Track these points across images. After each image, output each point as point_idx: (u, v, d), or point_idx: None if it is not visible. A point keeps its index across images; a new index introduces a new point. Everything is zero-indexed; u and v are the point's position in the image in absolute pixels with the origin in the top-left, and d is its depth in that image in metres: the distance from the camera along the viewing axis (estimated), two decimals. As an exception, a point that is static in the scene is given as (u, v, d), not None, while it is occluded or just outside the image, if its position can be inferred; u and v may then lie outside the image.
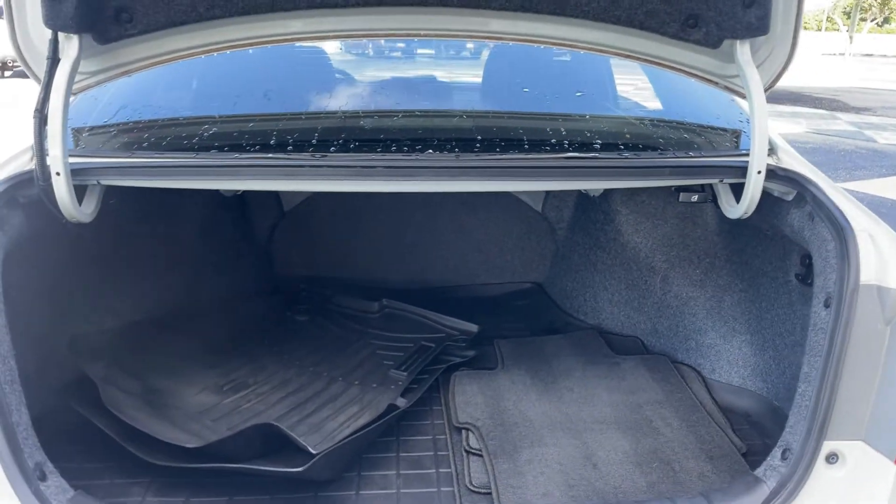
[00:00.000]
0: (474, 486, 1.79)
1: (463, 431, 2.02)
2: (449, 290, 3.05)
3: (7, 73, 17.21)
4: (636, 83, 2.95)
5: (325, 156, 1.72)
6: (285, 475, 1.68)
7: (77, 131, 1.97)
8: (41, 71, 1.69)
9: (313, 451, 1.74)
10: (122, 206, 1.92)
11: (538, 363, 2.38)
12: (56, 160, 1.60)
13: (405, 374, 2.30)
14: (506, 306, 2.96)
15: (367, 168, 1.69)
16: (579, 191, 2.80)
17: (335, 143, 1.84)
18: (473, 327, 2.58)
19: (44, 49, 1.66)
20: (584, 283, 2.79)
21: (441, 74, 3.17)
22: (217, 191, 2.52)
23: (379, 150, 1.80)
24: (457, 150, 1.78)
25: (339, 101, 2.47)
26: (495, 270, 3.09)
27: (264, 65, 2.58)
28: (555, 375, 2.31)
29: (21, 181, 1.63)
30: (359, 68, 3.10)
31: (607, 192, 2.61)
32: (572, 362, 2.38)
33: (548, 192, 2.96)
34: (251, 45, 1.88)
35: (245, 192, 2.71)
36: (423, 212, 3.03)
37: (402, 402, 2.10)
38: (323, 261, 3.03)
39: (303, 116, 2.24)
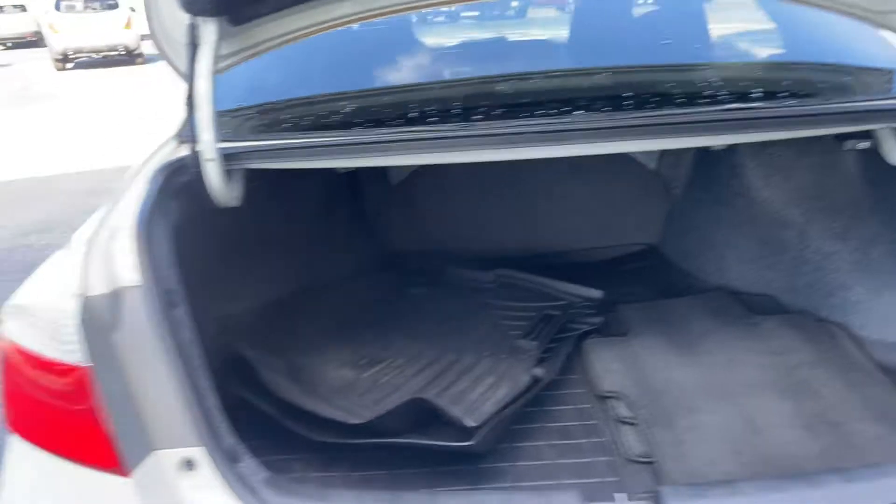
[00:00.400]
0: (634, 456, 1.76)
1: (608, 400, 1.99)
2: (559, 256, 2.98)
3: (69, 66, 17.75)
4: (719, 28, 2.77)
5: (473, 125, 1.67)
6: (455, 449, 1.68)
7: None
8: (180, 59, 1.69)
9: (471, 425, 1.73)
10: (257, 187, 1.92)
11: (669, 327, 2.31)
12: (207, 146, 1.60)
13: (535, 343, 2.27)
14: (619, 270, 2.88)
15: (517, 135, 1.63)
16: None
17: (478, 111, 1.79)
18: (597, 293, 2.52)
19: (179, 36, 1.66)
20: (706, 242, 2.68)
21: (542, 33, 3.07)
22: (331, 168, 2.51)
23: (524, 115, 1.73)
24: (608, 108, 1.70)
25: (462, 68, 2.41)
26: (606, 233, 3.01)
27: (371, 39, 2.53)
28: (691, 339, 2.23)
29: (175, 169, 1.65)
30: (464, 35, 3.02)
31: (732, 146, 2.49)
32: (707, 324, 2.29)
33: (664, 150, 2.84)
34: (376, 16, 1.84)
35: (357, 168, 2.69)
36: (528, 177, 2.96)
37: (540, 372, 2.07)
38: (430, 233, 3.01)
39: (436, 86, 2.18)
